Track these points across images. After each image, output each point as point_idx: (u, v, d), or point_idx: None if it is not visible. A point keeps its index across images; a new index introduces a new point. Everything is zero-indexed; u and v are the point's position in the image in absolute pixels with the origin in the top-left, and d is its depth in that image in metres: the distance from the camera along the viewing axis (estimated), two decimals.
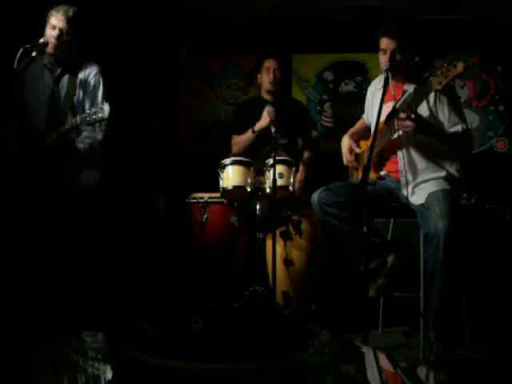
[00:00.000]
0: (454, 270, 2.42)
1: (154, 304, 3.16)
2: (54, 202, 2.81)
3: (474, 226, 3.50)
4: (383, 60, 2.65)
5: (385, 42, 2.64)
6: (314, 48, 4.58)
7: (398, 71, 2.59)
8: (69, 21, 2.84)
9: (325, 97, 4.66)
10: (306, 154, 3.78)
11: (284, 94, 3.96)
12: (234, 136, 3.76)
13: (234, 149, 3.69)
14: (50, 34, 2.83)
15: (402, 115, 2.44)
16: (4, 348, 1.60)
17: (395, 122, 2.50)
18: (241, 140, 3.66)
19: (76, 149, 2.89)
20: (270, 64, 3.72)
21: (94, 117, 2.69)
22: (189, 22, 4.65)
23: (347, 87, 4.64)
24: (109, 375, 1.46)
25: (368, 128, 3.01)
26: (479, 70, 4.46)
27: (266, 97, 3.76)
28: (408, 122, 2.44)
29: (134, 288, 3.39)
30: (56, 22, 2.83)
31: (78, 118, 2.75)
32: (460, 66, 2.31)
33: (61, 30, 2.83)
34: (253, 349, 1.59)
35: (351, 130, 3.03)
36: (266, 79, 3.72)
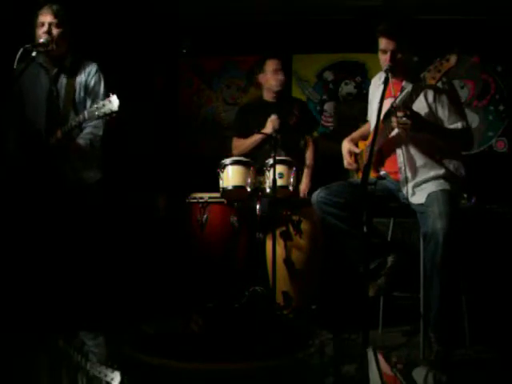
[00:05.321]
0: (452, 270, 2.42)
1: (154, 304, 3.16)
2: (53, 201, 2.81)
3: (474, 225, 3.50)
4: (383, 59, 2.64)
5: (384, 42, 2.63)
6: (314, 48, 4.58)
7: (398, 70, 2.59)
8: (54, 14, 2.86)
9: (325, 97, 4.66)
10: (308, 160, 3.72)
11: (285, 93, 3.92)
12: (234, 138, 3.76)
13: (235, 151, 3.70)
14: (41, 31, 2.85)
15: (399, 113, 2.44)
16: (3, 348, 1.60)
17: (393, 119, 2.49)
18: (244, 143, 3.67)
19: (77, 145, 2.88)
20: (275, 65, 3.68)
21: (103, 110, 2.67)
22: (189, 22, 4.65)
23: (347, 87, 4.64)
24: (109, 375, 1.46)
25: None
26: (479, 70, 4.47)
27: (269, 98, 3.75)
28: (404, 120, 2.44)
29: (134, 288, 3.38)
30: (43, 18, 2.87)
31: (86, 113, 2.73)
32: (453, 60, 2.30)
33: (49, 24, 2.86)
34: (253, 349, 1.59)
35: (353, 134, 3.02)
36: (272, 80, 3.68)
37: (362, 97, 4.56)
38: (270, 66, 3.69)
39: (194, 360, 1.49)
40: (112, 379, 1.42)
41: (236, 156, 3.43)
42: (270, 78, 3.69)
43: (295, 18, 4.57)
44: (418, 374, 1.58)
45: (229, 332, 1.83)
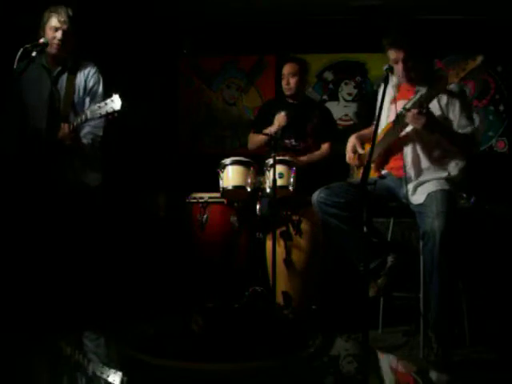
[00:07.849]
0: (450, 269, 2.43)
1: (154, 304, 3.16)
2: (54, 200, 2.81)
3: (474, 225, 3.50)
4: (397, 69, 2.65)
5: (393, 54, 2.64)
6: (314, 48, 4.58)
7: (414, 76, 2.62)
8: (71, 21, 2.86)
9: (325, 97, 4.66)
10: (322, 150, 3.69)
11: (305, 97, 3.91)
12: (252, 131, 3.81)
13: (249, 145, 3.83)
14: (54, 36, 2.84)
15: (414, 110, 2.46)
16: (3, 347, 1.60)
17: (406, 116, 2.50)
18: (256, 139, 3.73)
19: (81, 144, 2.89)
20: (285, 70, 3.69)
21: (105, 109, 2.67)
22: (189, 22, 4.65)
23: (347, 87, 4.63)
24: (109, 375, 1.46)
25: None
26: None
27: (289, 99, 3.75)
28: (419, 116, 2.46)
29: (134, 288, 3.38)
30: (58, 23, 2.85)
31: (89, 112, 2.74)
32: (479, 59, 2.33)
33: (64, 32, 2.85)
34: (253, 349, 1.59)
35: (361, 132, 3.02)
36: (283, 84, 3.70)
37: (362, 97, 4.57)
38: (285, 69, 3.70)
39: (194, 360, 1.48)
40: (112, 379, 1.42)
41: (250, 150, 3.66)
42: (282, 82, 3.70)
43: (295, 17, 4.57)
44: (419, 374, 1.58)
45: (229, 332, 1.83)
